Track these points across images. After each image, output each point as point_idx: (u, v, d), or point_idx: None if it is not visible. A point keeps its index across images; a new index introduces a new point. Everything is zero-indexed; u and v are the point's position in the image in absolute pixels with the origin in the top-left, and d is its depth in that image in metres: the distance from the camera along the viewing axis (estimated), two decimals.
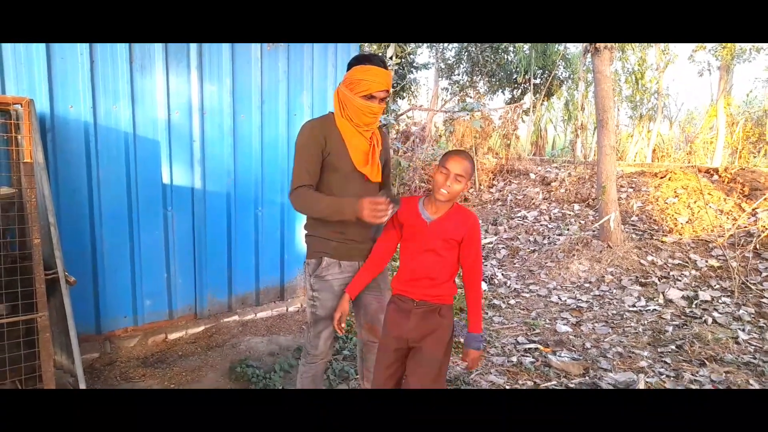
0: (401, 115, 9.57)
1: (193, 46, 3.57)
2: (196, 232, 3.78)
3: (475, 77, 15.35)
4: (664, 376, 3.32)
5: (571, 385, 3.15)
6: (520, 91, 15.08)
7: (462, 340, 2.45)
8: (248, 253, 4.08)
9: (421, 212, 2.15)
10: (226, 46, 3.72)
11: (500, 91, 15.86)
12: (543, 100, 14.58)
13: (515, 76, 14.33)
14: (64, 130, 3.15)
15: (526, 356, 3.59)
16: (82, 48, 3.13)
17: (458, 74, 15.85)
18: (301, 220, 4.13)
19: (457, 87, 16.13)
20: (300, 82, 4.16)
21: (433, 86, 15.70)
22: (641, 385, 3.13)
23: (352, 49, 4.40)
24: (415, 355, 2.18)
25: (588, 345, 3.79)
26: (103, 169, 3.31)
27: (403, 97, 14.22)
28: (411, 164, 8.66)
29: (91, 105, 3.22)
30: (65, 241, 2.81)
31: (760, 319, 4.25)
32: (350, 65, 2.25)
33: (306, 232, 2.44)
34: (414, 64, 13.89)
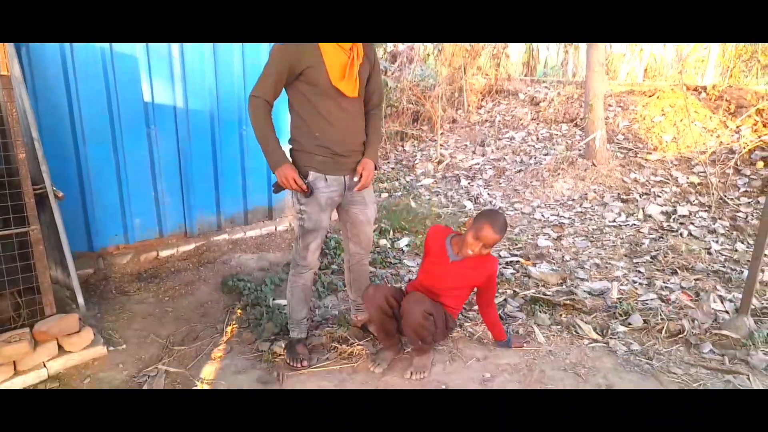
0: None
1: None
2: (181, 151, 3.77)
3: None
4: (637, 284, 3.49)
5: (548, 293, 3.31)
6: None
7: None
8: (235, 174, 4.10)
9: (447, 248, 2.44)
10: None
11: None
12: None
13: None
14: (38, 48, 3.05)
15: (507, 268, 3.73)
16: None
17: None
18: (287, 135, 4.14)
19: None
20: None
21: None
22: (614, 292, 3.30)
23: None
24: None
25: (567, 258, 3.94)
26: (81, 86, 3.25)
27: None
28: (399, 85, 8.51)
29: None
30: (49, 160, 2.81)
31: (734, 232, 4.41)
32: None
33: (291, 146, 2.46)
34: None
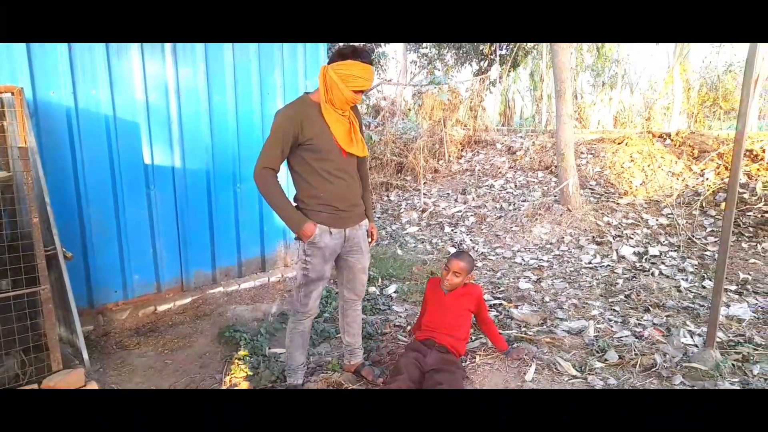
0: (371, 89, 9.74)
1: None
2: (178, 209, 3.97)
3: (442, 49, 15.50)
4: (612, 321, 3.71)
5: (530, 333, 3.51)
6: (486, 62, 15.30)
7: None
8: (229, 228, 4.30)
9: (441, 287, 3.07)
10: None
11: (467, 62, 16.07)
12: (509, 71, 14.84)
13: (482, 47, 14.54)
14: (47, 116, 3.30)
15: (492, 310, 3.93)
16: None
17: (426, 47, 15.97)
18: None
19: (425, 60, 16.27)
20: (271, 61, 4.32)
21: (401, 60, 15.80)
22: (591, 330, 3.51)
23: None
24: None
25: (547, 299, 4.16)
26: (86, 152, 3.47)
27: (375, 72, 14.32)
28: (382, 138, 8.88)
29: (72, 90, 3.36)
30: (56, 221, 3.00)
31: (702, 270, 4.68)
32: (344, 54, 2.37)
33: (296, 204, 2.66)
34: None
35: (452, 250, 5.58)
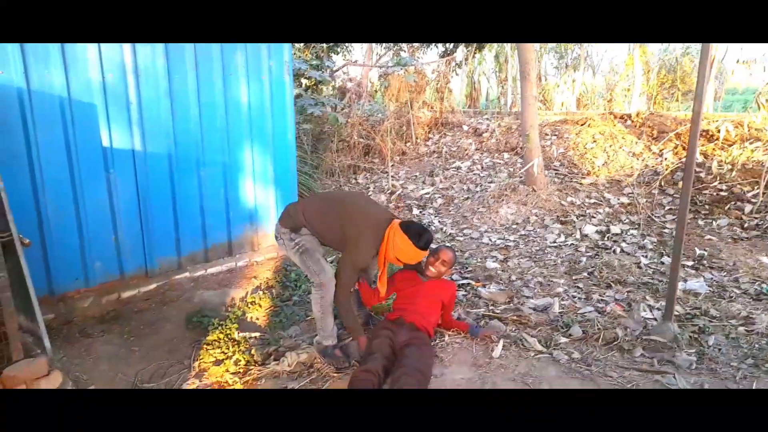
0: (336, 71, 9.64)
1: None
2: (140, 193, 3.86)
3: None
4: (576, 298, 3.82)
5: (497, 311, 3.58)
6: (452, 44, 15.27)
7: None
8: (194, 213, 4.21)
9: (420, 275, 3.20)
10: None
11: (434, 44, 16.00)
12: (475, 53, 14.87)
13: None
14: None
15: (460, 290, 3.99)
16: None
17: None
18: (244, 178, 4.29)
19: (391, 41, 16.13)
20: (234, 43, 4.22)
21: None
22: (556, 307, 3.61)
23: None
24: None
25: (513, 278, 4.24)
26: (41, 134, 3.33)
27: (338, 53, 14.13)
28: (349, 120, 8.81)
29: (23, 70, 3.21)
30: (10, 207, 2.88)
31: (661, 247, 4.85)
32: (411, 234, 2.74)
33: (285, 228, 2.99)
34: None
35: None
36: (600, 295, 3.83)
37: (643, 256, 4.62)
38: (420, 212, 6.37)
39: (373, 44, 16.08)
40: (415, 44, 15.85)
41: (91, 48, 3.47)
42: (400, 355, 2.76)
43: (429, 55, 17.36)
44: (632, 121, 7.70)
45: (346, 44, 14.62)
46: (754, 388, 2.66)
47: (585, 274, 4.24)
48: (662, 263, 4.45)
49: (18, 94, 3.21)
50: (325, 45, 9.71)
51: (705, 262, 4.44)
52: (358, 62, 13.55)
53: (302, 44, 9.22)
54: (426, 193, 6.97)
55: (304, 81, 8.73)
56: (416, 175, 7.77)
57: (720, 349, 3.07)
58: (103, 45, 3.52)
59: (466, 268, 4.50)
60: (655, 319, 3.40)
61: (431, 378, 2.70)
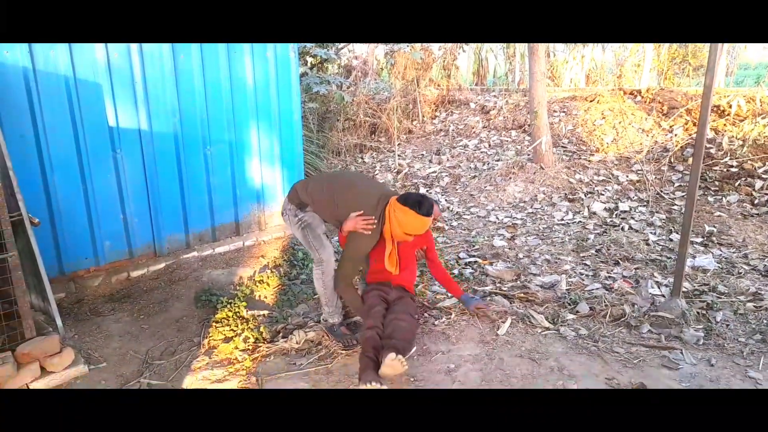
0: (342, 49, 9.52)
1: None
2: (147, 173, 3.88)
3: None
4: (583, 275, 3.81)
5: (504, 289, 3.59)
6: None
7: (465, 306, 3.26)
8: (201, 192, 4.22)
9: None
10: None
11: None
12: None
13: None
14: (3, 77, 3.14)
15: (467, 268, 3.99)
16: None
17: None
18: (251, 158, 4.28)
19: None
20: None
21: None
22: (563, 284, 3.60)
23: None
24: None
25: (521, 256, 4.23)
26: (47, 114, 3.34)
27: None
28: (355, 98, 8.75)
29: (28, 50, 3.20)
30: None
31: (669, 224, 4.82)
32: (411, 204, 2.66)
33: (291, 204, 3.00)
34: None
35: None
36: (608, 272, 3.82)
37: (651, 232, 4.59)
38: (427, 191, 6.35)
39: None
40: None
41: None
42: (391, 305, 2.95)
43: None
44: (642, 97, 7.58)
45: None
46: (761, 363, 2.66)
47: (593, 251, 4.23)
48: (671, 240, 4.42)
49: (24, 74, 3.21)
50: None
51: (714, 238, 4.41)
52: None
53: None
54: (433, 172, 6.94)
55: (309, 59, 8.64)
56: (423, 154, 7.73)
57: (728, 325, 3.06)
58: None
59: (473, 246, 4.50)
60: (663, 296, 3.39)
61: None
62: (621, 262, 3.97)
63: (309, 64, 8.76)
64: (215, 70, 4.11)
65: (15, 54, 3.15)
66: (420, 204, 2.66)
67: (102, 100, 3.57)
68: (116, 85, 3.62)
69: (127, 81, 3.67)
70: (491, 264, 4.07)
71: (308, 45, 7.94)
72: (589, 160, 6.27)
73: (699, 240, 4.40)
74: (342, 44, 9.30)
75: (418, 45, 8.76)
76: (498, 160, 6.80)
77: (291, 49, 4.55)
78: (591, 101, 7.80)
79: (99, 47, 3.48)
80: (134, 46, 3.63)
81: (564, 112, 7.74)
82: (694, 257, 3.97)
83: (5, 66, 3.13)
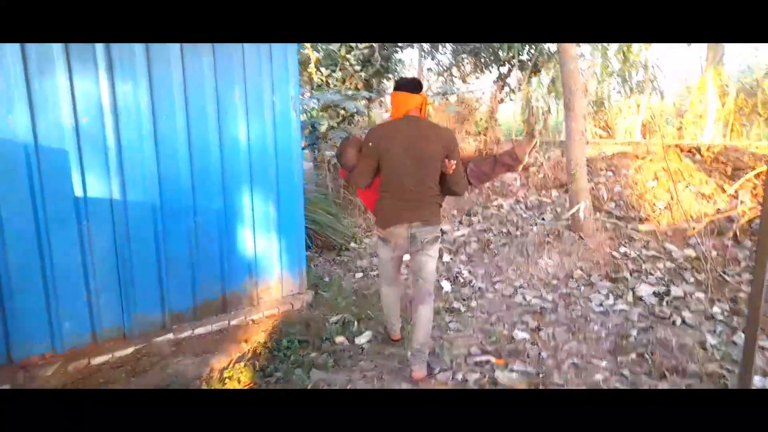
0: (373, 102, 9.20)
1: (99, 45, 3.24)
2: (118, 246, 3.50)
3: (458, 56, 14.83)
4: None
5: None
6: (506, 68, 14.59)
7: None
8: (182, 266, 3.80)
9: None
10: (138, 44, 3.38)
11: (487, 68, 15.36)
12: (530, 76, 14.11)
13: (500, 52, 13.84)
14: None
15: (474, 372, 3.32)
16: None
17: (442, 53, 15.34)
18: (243, 226, 3.86)
19: (442, 67, 15.64)
20: (230, 76, 3.82)
21: (416, 67, 15.24)
22: None
23: None
24: None
25: (544, 355, 3.52)
26: (1, 183, 3.03)
27: (389, 78, 13.78)
28: None
29: None
30: None
31: (734, 317, 3.98)
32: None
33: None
34: (398, 44, 13.39)
35: (446, 285, 4.97)
36: (650, 387, 3.06)
37: (710, 331, 3.77)
38: (451, 258, 5.71)
39: (424, 70, 15.65)
40: (467, 69, 15.28)
41: (62, 87, 3.15)
42: None
43: (483, 80, 16.68)
44: (702, 156, 6.74)
45: (397, 70, 14.26)
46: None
47: (633, 355, 3.46)
48: (734, 343, 3.59)
49: None
50: (364, 74, 9.31)
51: None
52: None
53: (340, 75, 8.85)
54: (461, 235, 6.32)
55: (341, 112, 8.35)
56: (453, 214, 7.13)
57: None
58: (76, 83, 3.21)
59: (490, 338, 3.81)
60: None
61: None
62: (668, 375, 3.19)
63: (340, 117, 8.47)
64: (203, 132, 3.76)
65: None
66: (398, 81, 3.16)
67: (68, 167, 3.25)
68: (85, 151, 3.30)
69: (99, 146, 3.35)
70: (506, 365, 3.39)
71: (336, 98, 7.65)
72: (638, 230, 5.48)
73: None
74: (372, 96, 8.99)
75: (453, 98, 8.31)
76: (533, 225, 6.11)
77: (292, 107, 4.16)
78: (643, 159, 7.03)
79: (67, 110, 3.18)
80: (108, 107, 3.32)
81: (611, 170, 7.00)
82: (765, 375, 3.14)
83: None
